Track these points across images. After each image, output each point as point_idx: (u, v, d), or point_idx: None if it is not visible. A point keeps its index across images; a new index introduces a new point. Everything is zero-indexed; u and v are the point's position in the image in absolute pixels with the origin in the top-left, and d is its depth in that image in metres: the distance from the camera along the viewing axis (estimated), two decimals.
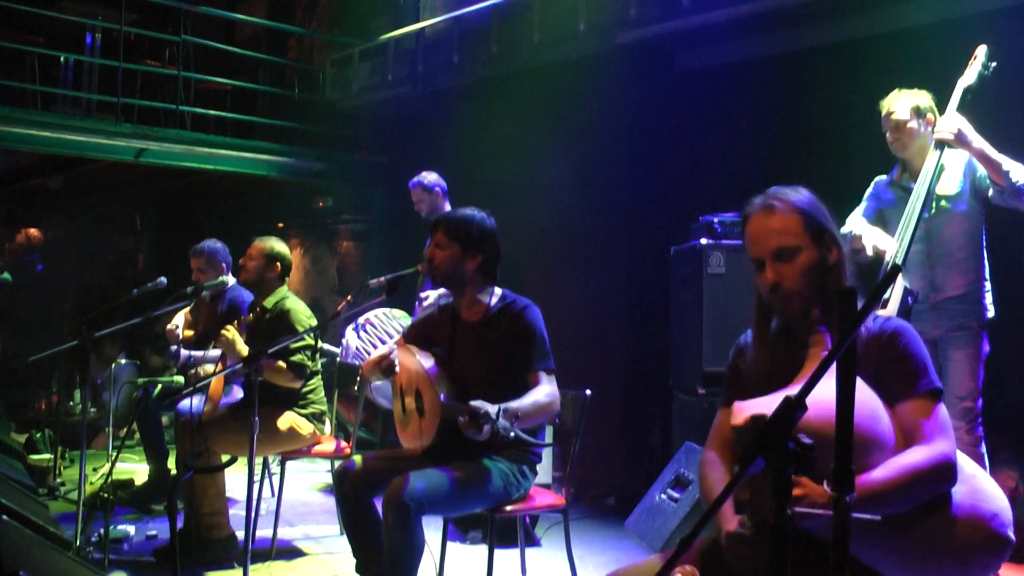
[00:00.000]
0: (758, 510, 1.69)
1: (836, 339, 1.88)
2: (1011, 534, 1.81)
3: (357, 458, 3.07)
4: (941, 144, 3.36)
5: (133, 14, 7.96)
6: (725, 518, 1.87)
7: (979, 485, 1.84)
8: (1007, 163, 3.29)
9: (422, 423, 2.97)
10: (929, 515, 1.77)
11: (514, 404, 2.66)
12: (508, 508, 2.96)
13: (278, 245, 4.30)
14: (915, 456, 1.76)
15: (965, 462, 1.88)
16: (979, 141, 3.31)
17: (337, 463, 4.59)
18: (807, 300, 1.95)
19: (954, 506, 1.79)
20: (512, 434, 2.50)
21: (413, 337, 3.22)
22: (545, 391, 2.87)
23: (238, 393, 4.32)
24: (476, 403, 2.57)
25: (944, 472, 1.76)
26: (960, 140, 3.31)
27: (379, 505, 2.84)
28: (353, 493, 2.96)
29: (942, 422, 1.81)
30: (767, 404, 1.75)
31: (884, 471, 1.72)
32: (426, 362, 3.00)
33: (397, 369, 3.01)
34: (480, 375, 3.00)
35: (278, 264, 4.25)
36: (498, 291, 3.12)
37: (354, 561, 3.01)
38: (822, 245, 1.95)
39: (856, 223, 3.58)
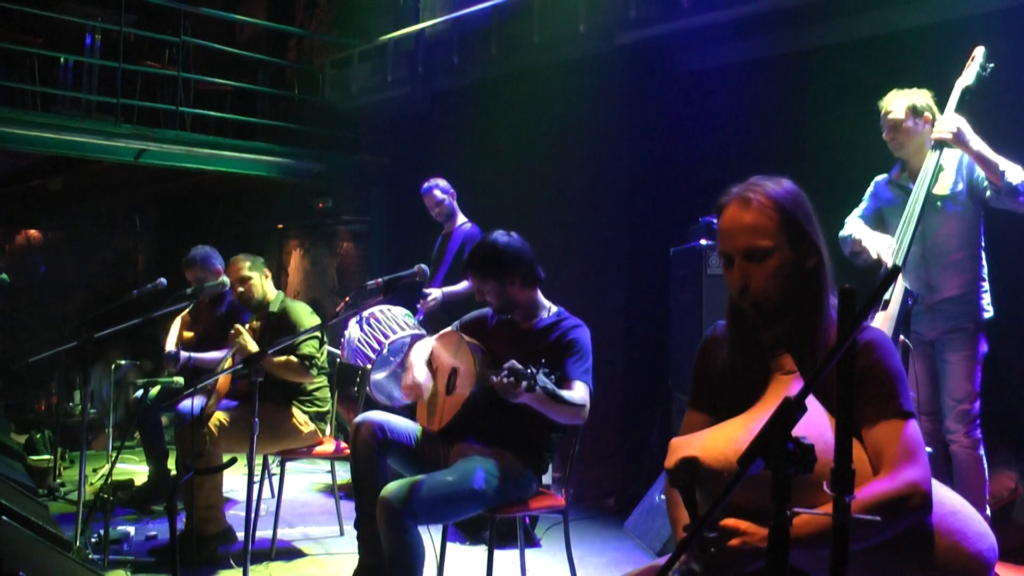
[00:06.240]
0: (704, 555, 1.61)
1: (800, 360, 1.79)
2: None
3: (376, 413, 3.11)
4: (940, 144, 3.35)
5: (133, 15, 7.97)
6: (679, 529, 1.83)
7: (962, 522, 1.72)
8: (1003, 163, 3.27)
9: (446, 401, 3.03)
10: (908, 549, 1.66)
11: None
12: (508, 509, 2.96)
13: (251, 257, 4.49)
14: (875, 489, 1.60)
15: (949, 495, 1.77)
16: (977, 142, 3.28)
17: (337, 464, 4.61)
18: (777, 306, 1.79)
19: (935, 541, 1.67)
20: (549, 387, 2.56)
21: (464, 327, 3.28)
22: (579, 394, 2.87)
23: None
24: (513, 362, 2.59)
25: (910, 501, 1.60)
26: (958, 140, 3.29)
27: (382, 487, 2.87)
28: (365, 445, 2.99)
29: (911, 446, 1.65)
30: (702, 444, 1.68)
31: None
32: (472, 340, 3.08)
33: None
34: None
35: (266, 270, 4.51)
36: (554, 308, 3.16)
37: (355, 558, 3.02)
38: (799, 247, 1.78)
39: (856, 227, 3.57)
